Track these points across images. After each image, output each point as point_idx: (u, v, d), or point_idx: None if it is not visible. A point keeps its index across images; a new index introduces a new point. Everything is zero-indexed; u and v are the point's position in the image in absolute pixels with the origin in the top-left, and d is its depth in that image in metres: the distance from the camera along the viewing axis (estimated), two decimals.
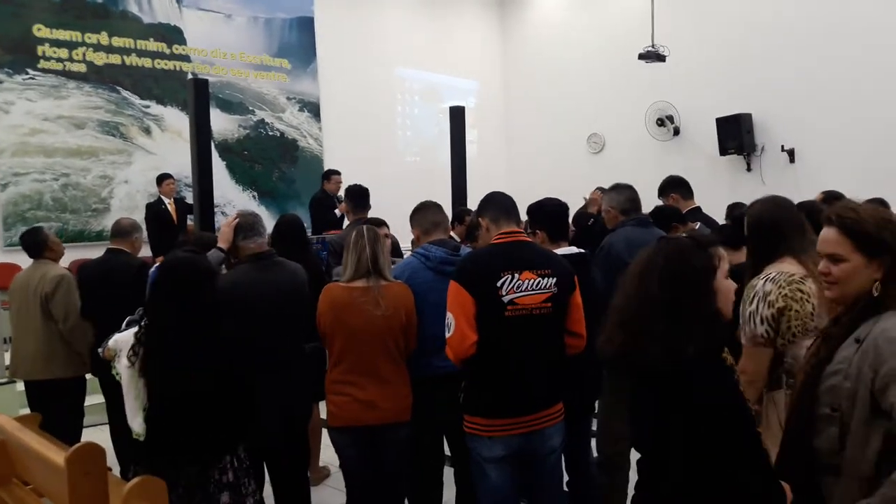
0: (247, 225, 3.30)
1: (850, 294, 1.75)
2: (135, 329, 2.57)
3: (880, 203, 3.96)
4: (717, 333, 1.75)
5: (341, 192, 7.59)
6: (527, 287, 2.57)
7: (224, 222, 3.39)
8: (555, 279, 2.62)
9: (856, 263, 1.72)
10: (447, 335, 2.58)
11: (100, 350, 2.93)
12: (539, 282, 2.59)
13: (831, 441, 1.74)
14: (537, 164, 11.09)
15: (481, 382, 2.63)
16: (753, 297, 2.37)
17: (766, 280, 2.39)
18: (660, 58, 8.53)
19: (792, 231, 2.45)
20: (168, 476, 2.45)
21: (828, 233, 1.78)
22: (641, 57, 8.55)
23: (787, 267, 2.40)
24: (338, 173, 8.04)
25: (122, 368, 2.52)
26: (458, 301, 2.56)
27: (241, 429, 2.67)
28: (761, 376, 2.38)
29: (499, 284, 2.54)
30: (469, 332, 2.53)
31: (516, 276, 2.56)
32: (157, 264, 3.07)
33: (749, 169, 9.10)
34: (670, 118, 9.80)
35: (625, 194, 3.54)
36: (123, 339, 2.58)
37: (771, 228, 2.47)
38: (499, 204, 2.79)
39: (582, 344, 2.76)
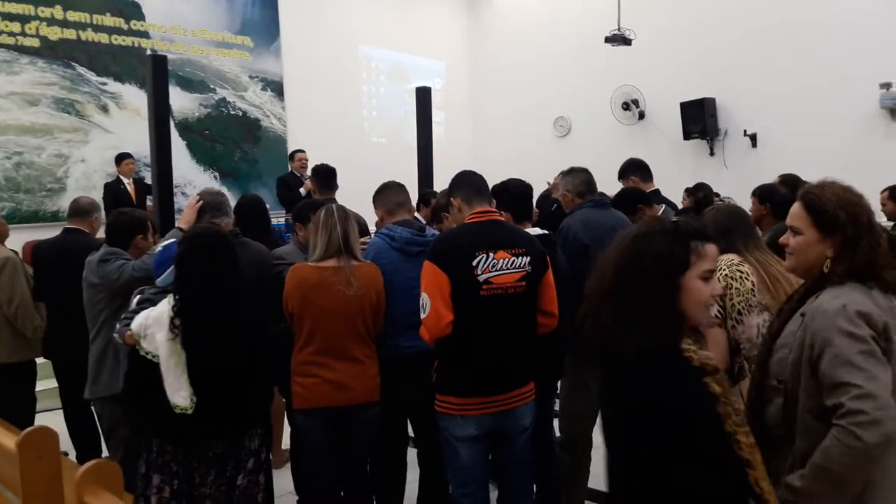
0: (214, 204, 3.25)
1: (803, 265, 1.82)
2: (169, 302, 2.54)
3: None
4: (666, 331, 1.51)
5: (308, 171, 7.53)
6: (501, 266, 2.57)
7: (187, 203, 3.32)
8: (528, 258, 2.63)
9: (810, 238, 1.78)
10: (422, 315, 2.56)
11: (116, 335, 2.85)
12: (513, 261, 2.59)
13: (777, 412, 1.80)
14: (503, 146, 11.08)
15: (455, 361, 2.63)
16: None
17: None
18: (626, 41, 8.56)
19: (742, 236, 2.64)
20: (199, 448, 2.52)
21: (794, 207, 1.85)
22: (608, 40, 8.57)
23: (727, 256, 2.55)
24: (301, 151, 7.96)
25: (162, 343, 2.48)
26: (433, 281, 2.54)
27: (267, 399, 2.76)
28: (723, 356, 2.45)
29: (474, 264, 2.54)
30: (445, 311, 2.52)
31: (491, 255, 2.56)
32: (164, 242, 3.01)
33: (712, 153, 9.22)
34: (636, 102, 9.87)
35: (580, 177, 3.55)
36: (154, 315, 2.53)
37: (723, 234, 2.59)
38: (470, 183, 2.78)
39: (554, 323, 2.78)
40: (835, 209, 1.74)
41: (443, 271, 2.53)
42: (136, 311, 2.69)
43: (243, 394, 2.58)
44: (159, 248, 2.92)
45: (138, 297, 2.89)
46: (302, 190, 7.42)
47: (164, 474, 2.50)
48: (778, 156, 8.18)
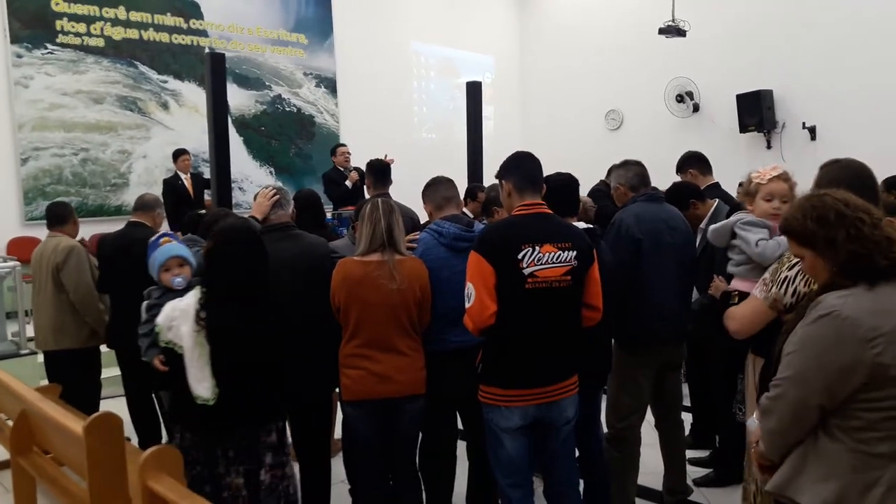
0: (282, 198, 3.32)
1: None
2: (196, 295, 2.60)
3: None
4: None
5: (351, 164, 7.56)
6: (547, 260, 2.57)
7: (260, 194, 3.38)
8: (575, 252, 2.62)
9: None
10: (467, 305, 2.58)
11: (144, 357, 2.94)
12: (559, 255, 2.59)
13: None
14: (554, 140, 10.99)
15: (499, 353, 2.64)
16: (796, 265, 2.32)
17: None
18: (680, 33, 8.41)
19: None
20: (221, 440, 2.57)
21: None
22: (661, 32, 8.43)
23: None
24: (343, 145, 7.96)
25: (186, 335, 2.55)
26: (478, 272, 2.56)
27: (285, 393, 2.78)
28: (750, 330, 2.46)
29: (520, 257, 2.54)
30: (489, 302, 2.54)
31: (537, 248, 2.56)
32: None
33: (769, 146, 8.99)
34: (690, 94, 9.69)
35: (633, 170, 3.49)
36: (181, 307, 2.60)
37: None
38: (525, 171, 2.73)
39: (598, 317, 2.76)
40: (802, 222, 1.78)
41: (488, 262, 2.54)
42: (149, 320, 2.76)
43: (263, 388, 2.62)
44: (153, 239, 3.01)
45: (146, 303, 2.95)
46: (348, 183, 7.39)
47: (185, 459, 2.58)
48: (838, 149, 7.75)
